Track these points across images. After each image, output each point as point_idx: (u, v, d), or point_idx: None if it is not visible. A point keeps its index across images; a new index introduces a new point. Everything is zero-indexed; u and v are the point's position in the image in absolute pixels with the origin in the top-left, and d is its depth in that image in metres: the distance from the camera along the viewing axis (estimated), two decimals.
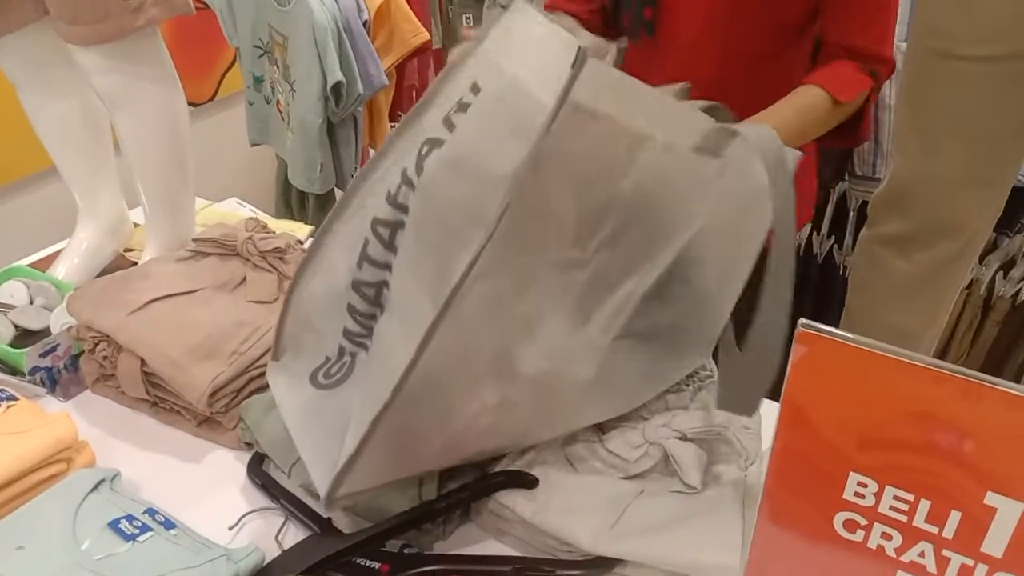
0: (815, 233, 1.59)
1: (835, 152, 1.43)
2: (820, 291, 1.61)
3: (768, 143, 0.52)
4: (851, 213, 1.57)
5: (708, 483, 0.69)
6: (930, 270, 1.08)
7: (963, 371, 0.46)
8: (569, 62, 0.48)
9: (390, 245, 0.58)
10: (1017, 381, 1.23)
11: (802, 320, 0.50)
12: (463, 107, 0.55)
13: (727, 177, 0.59)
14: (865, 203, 1.49)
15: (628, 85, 0.50)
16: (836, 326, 1.37)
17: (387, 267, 0.60)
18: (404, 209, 0.58)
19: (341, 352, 0.63)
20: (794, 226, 0.53)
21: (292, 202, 1.91)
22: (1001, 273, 1.48)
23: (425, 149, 0.56)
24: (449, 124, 0.55)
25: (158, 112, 0.99)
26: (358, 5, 1.60)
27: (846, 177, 1.51)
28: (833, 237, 1.59)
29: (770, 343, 0.55)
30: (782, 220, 0.52)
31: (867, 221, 1.14)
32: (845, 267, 1.56)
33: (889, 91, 1.32)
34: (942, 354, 1.53)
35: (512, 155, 0.50)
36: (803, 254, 1.62)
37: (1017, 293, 1.46)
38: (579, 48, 0.47)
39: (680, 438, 0.70)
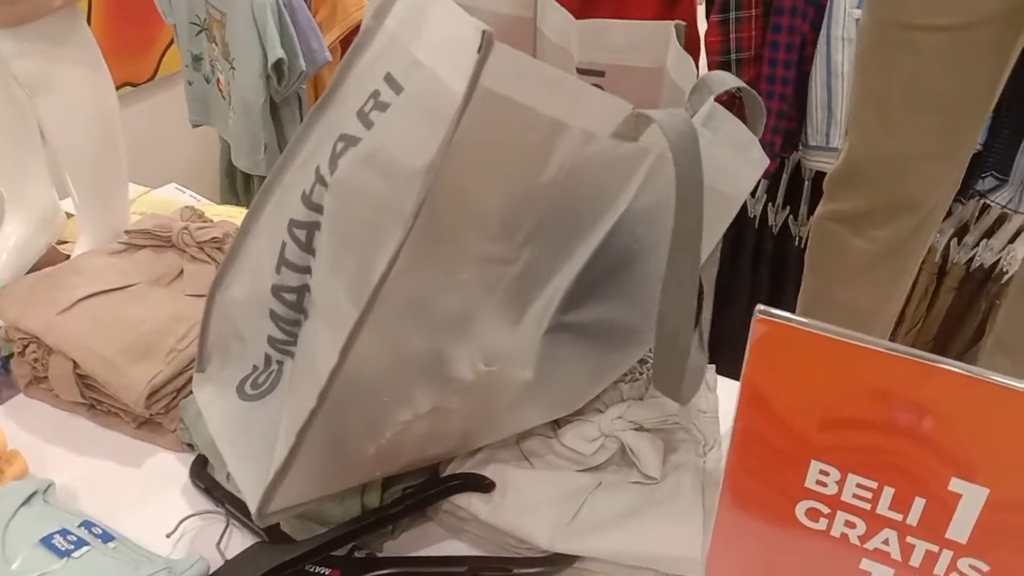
0: (770, 204, 1.58)
1: (783, 123, 1.42)
2: (776, 262, 1.61)
3: (678, 125, 0.50)
4: (806, 183, 1.56)
5: (667, 472, 0.67)
6: (887, 248, 1.07)
7: (919, 354, 0.46)
8: (475, 47, 0.45)
9: (308, 247, 0.55)
10: (971, 347, 1.23)
11: (759, 306, 0.49)
12: (381, 105, 0.52)
13: (649, 162, 0.56)
14: (819, 173, 1.48)
15: (543, 72, 0.47)
16: (794, 297, 1.37)
17: (307, 270, 0.57)
18: (319, 209, 0.55)
19: (268, 360, 0.60)
20: (699, 211, 0.51)
21: (237, 185, 1.85)
22: (955, 240, 1.49)
23: (340, 146, 0.53)
24: (366, 121, 0.51)
25: (83, 97, 0.93)
26: None
27: (799, 147, 1.50)
28: (788, 208, 1.59)
29: (676, 329, 0.53)
30: (686, 202, 0.50)
31: (822, 198, 1.13)
32: (801, 238, 1.56)
33: (841, 59, 1.31)
34: (898, 322, 1.53)
35: (425, 146, 0.47)
36: (758, 226, 1.61)
37: (971, 259, 1.47)
38: (484, 32, 0.44)
39: (636, 429, 0.68)
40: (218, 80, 1.72)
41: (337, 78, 0.56)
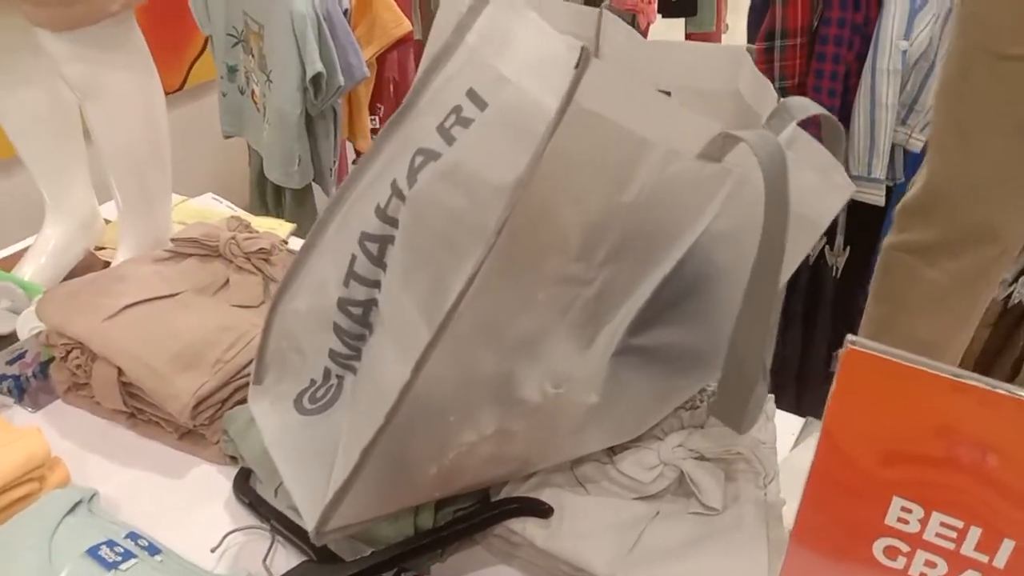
0: (828, 247, 1.56)
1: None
2: (811, 292, 1.59)
3: (769, 146, 0.49)
4: (841, 213, 1.54)
5: (727, 504, 0.66)
6: (961, 280, 1.05)
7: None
8: (572, 63, 0.44)
9: (379, 261, 0.54)
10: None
11: (849, 336, 0.47)
12: (464, 121, 0.51)
13: (729, 185, 0.55)
14: (857, 203, 1.46)
15: (635, 89, 0.46)
16: (829, 328, 1.34)
17: (376, 284, 0.55)
18: (394, 223, 0.54)
19: (327, 374, 0.59)
20: (784, 236, 0.50)
21: (267, 197, 1.85)
22: None
23: (419, 160, 0.52)
24: (447, 136, 0.50)
25: (133, 103, 0.93)
26: None
27: None
28: (825, 238, 1.57)
29: (746, 355, 0.52)
30: (772, 226, 0.49)
31: (891, 228, 1.11)
32: (837, 268, 1.54)
33: (886, 91, 1.30)
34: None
35: (513, 163, 0.46)
36: (814, 264, 1.60)
37: (1009, 296, 1.45)
38: (583, 48, 0.43)
39: (697, 458, 0.66)
40: (252, 92, 1.72)
41: (414, 93, 0.55)
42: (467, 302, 0.48)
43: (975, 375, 0.45)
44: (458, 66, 0.53)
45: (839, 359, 0.48)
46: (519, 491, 0.66)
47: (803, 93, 1.39)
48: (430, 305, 0.50)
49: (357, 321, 0.57)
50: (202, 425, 0.78)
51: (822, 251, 1.58)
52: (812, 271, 1.59)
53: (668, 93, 0.71)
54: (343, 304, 0.56)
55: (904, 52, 1.27)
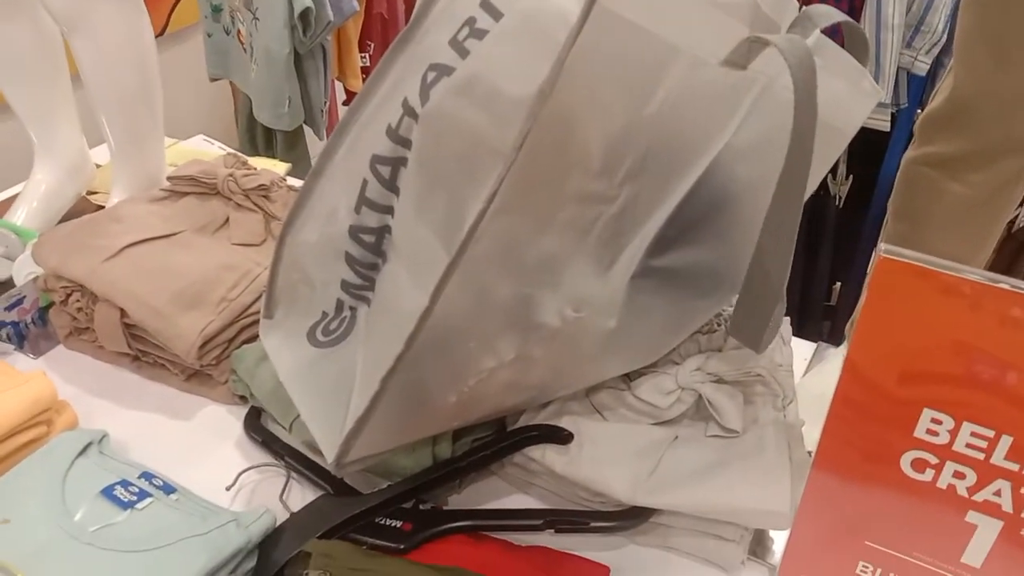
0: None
1: None
2: (813, 219, 1.58)
3: (798, 51, 0.47)
4: None
5: (747, 426, 0.65)
6: (986, 192, 1.03)
7: None
8: None
9: (392, 185, 0.52)
10: None
11: (882, 245, 0.46)
12: (478, 33, 0.48)
13: (753, 95, 0.53)
14: (860, 130, 1.44)
15: None
16: (828, 258, 1.33)
17: (389, 210, 0.53)
18: (407, 143, 0.51)
19: (340, 306, 0.57)
20: (812, 144, 0.48)
21: (258, 140, 1.81)
22: None
23: (431, 76, 0.50)
24: (461, 50, 0.48)
25: (121, 36, 0.90)
26: None
27: None
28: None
29: (771, 271, 0.51)
30: (801, 133, 0.47)
31: (913, 142, 1.08)
32: (840, 197, 1.52)
33: (892, 12, 1.27)
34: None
35: (533, 73, 0.44)
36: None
37: (1013, 220, 1.44)
38: None
39: (716, 381, 0.65)
40: (239, 32, 1.67)
41: (421, 8, 0.52)
42: (486, 223, 0.47)
43: (1004, 277, 0.44)
44: None
45: (871, 268, 0.46)
46: (536, 420, 0.65)
47: None
48: (447, 228, 0.48)
49: (370, 249, 0.55)
50: (209, 365, 0.77)
51: (824, 180, 1.56)
52: (813, 200, 1.57)
53: None
54: (355, 232, 0.55)
55: None
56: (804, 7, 0.57)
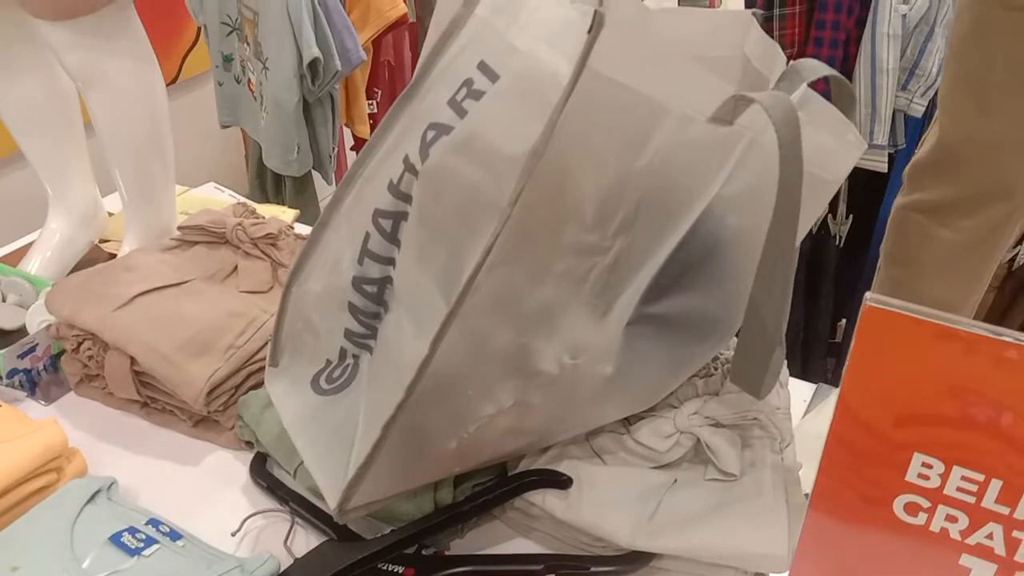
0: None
1: None
2: (813, 261, 1.59)
3: (782, 107, 0.48)
4: (845, 180, 1.54)
5: (745, 469, 0.66)
6: (975, 238, 1.05)
7: None
8: (585, 28, 0.44)
9: (393, 238, 0.54)
10: None
11: (868, 294, 0.47)
12: (475, 93, 0.50)
13: (742, 147, 0.55)
14: (859, 170, 1.46)
15: (652, 51, 0.46)
16: (830, 297, 1.34)
17: (391, 262, 0.55)
18: (408, 199, 0.54)
19: (343, 354, 0.59)
20: (799, 195, 0.50)
21: (267, 186, 1.84)
22: None
23: (431, 135, 0.52)
24: (459, 109, 0.50)
25: (134, 91, 0.93)
26: None
27: None
28: (827, 206, 1.57)
29: (766, 319, 0.52)
30: (788, 186, 0.49)
31: (903, 188, 1.10)
32: (839, 236, 1.54)
33: (887, 56, 1.30)
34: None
35: (527, 132, 0.46)
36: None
37: (1013, 258, 1.45)
38: (596, 12, 0.43)
39: (713, 425, 0.66)
40: (249, 80, 1.71)
41: (423, 68, 0.55)
42: (483, 275, 0.48)
43: (993, 327, 0.45)
44: (468, 39, 0.53)
45: (859, 317, 0.48)
46: (536, 464, 0.66)
47: None
48: (446, 279, 0.50)
49: (372, 299, 0.57)
50: (216, 411, 0.78)
51: (825, 220, 1.58)
52: (815, 240, 1.59)
53: None
54: (358, 283, 0.56)
55: (904, 16, 1.27)
56: (792, 63, 0.59)
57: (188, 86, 2.15)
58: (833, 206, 1.58)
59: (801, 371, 0.78)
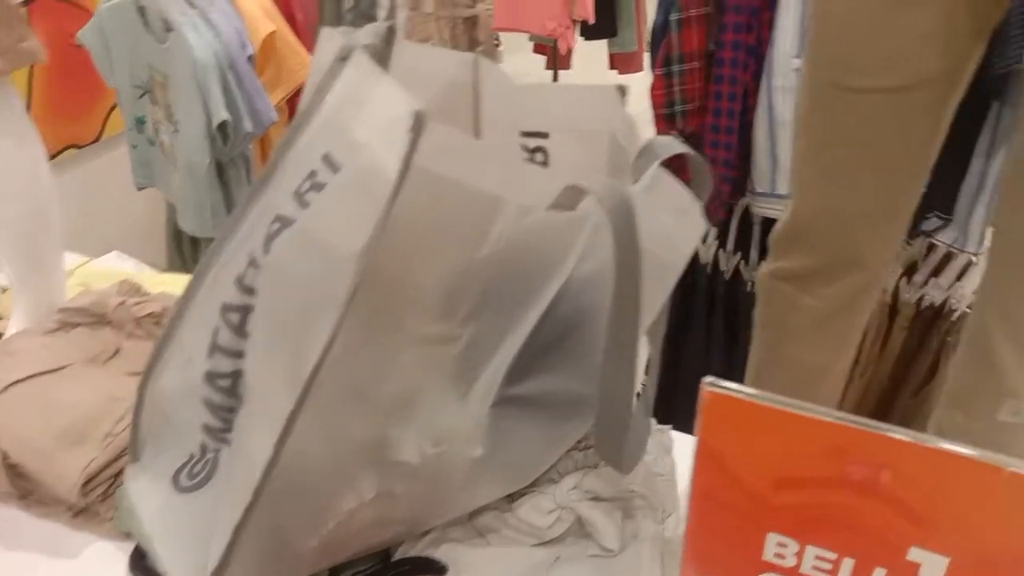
0: (721, 250, 1.59)
1: (730, 172, 1.43)
2: (729, 307, 1.61)
3: (615, 196, 0.49)
4: (755, 228, 1.57)
5: (626, 543, 0.65)
6: (836, 305, 1.07)
7: (866, 422, 0.45)
8: (408, 127, 0.44)
9: (241, 331, 0.53)
10: (926, 384, 1.23)
11: (705, 378, 0.47)
12: (318, 186, 0.50)
13: (589, 229, 0.55)
14: (768, 219, 1.49)
15: (478, 149, 0.46)
16: (747, 341, 1.34)
17: (241, 355, 0.54)
18: (252, 292, 0.53)
19: (204, 449, 0.58)
20: (638, 281, 0.51)
21: (184, 248, 1.82)
22: (905, 279, 1.50)
23: (275, 227, 0.51)
24: (302, 201, 0.50)
25: (17, 171, 0.90)
26: (241, 39, 1.53)
27: (747, 193, 1.51)
28: (739, 253, 1.60)
29: (616, 398, 0.52)
30: (624, 274, 0.50)
31: (768, 256, 1.13)
32: (752, 283, 1.56)
33: (783, 108, 1.33)
34: (852, 363, 1.54)
35: (360, 230, 0.46)
36: (711, 271, 1.62)
37: (921, 298, 1.48)
38: (416, 112, 0.43)
39: (592, 499, 0.66)
40: (162, 142, 1.69)
41: (276, 156, 0.54)
42: (327, 370, 0.48)
43: (828, 411, 0.45)
44: (317, 129, 0.53)
45: (699, 401, 0.48)
46: (415, 549, 0.65)
47: (704, 115, 1.42)
48: (291, 375, 0.49)
49: (226, 393, 0.55)
50: (95, 502, 0.75)
51: (737, 267, 1.60)
52: (729, 286, 1.61)
53: (546, 135, 0.71)
54: (210, 377, 0.55)
55: (797, 70, 1.30)
56: (648, 141, 0.60)
57: (113, 144, 2.12)
58: (745, 252, 1.61)
59: None
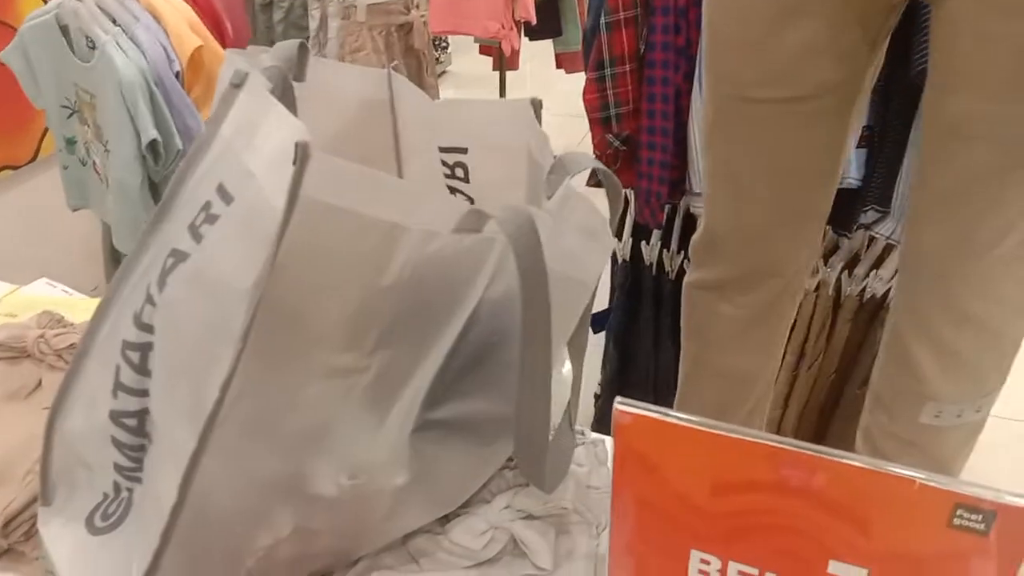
0: (665, 250, 1.59)
1: (667, 173, 1.43)
2: (675, 306, 1.61)
3: (517, 220, 0.49)
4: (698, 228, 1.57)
5: (560, 561, 0.65)
6: (755, 313, 1.08)
7: (776, 439, 0.45)
8: (290, 159, 0.42)
9: (143, 369, 0.51)
10: (869, 375, 1.24)
11: (617, 399, 0.47)
12: (211, 218, 0.49)
13: (497, 252, 0.55)
14: None
15: (370, 177, 0.45)
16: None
17: (145, 393, 0.52)
18: (151, 329, 0.51)
19: (117, 488, 0.56)
20: (546, 303, 0.50)
21: None
22: (847, 272, 1.52)
23: (170, 263, 0.50)
24: (196, 235, 0.48)
25: None
26: (167, 56, 1.50)
27: (685, 193, 1.51)
28: (683, 252, 1.60)
29: (532, 422, 0.52)
30: (531, 297, 0.49)
31: (689, 265, 1.13)
32: None
33: None
34: (799, 357, 1.55)
35: (251, 265, 0.44)
36: (655, 272, 1.62)
37: (863, 290, 1.50)
38: (298, 144, 0.42)
39: (525, 517, 0.65)
40: (94, 163, 1.65)
41: (172, 188, 0.52)
42: (230, 406, 0.46)
43: (734, 427, 0.45)
44: (212, 160, 0.51)
45: (613, 418, 0.47)
46: None
47: (639, 118, 1.41)
48: (192, 414, 0.48)
49: (134, 432, 0.54)
50: (19, 542, 0.73)
51: (682, 265, 1.61)
52: (674, 285, 1.61)
53: (464, 150, 0.70)
54: (116, 416, 0.53)
55: None
56: (559, 157, 0.59)
57: (50, 163, 2.07)
58: (688, 252, 1.61)
59: None
